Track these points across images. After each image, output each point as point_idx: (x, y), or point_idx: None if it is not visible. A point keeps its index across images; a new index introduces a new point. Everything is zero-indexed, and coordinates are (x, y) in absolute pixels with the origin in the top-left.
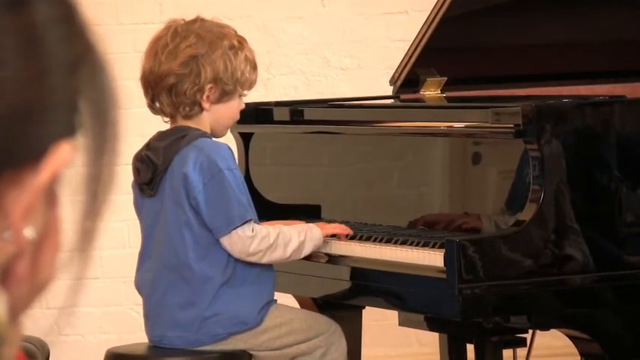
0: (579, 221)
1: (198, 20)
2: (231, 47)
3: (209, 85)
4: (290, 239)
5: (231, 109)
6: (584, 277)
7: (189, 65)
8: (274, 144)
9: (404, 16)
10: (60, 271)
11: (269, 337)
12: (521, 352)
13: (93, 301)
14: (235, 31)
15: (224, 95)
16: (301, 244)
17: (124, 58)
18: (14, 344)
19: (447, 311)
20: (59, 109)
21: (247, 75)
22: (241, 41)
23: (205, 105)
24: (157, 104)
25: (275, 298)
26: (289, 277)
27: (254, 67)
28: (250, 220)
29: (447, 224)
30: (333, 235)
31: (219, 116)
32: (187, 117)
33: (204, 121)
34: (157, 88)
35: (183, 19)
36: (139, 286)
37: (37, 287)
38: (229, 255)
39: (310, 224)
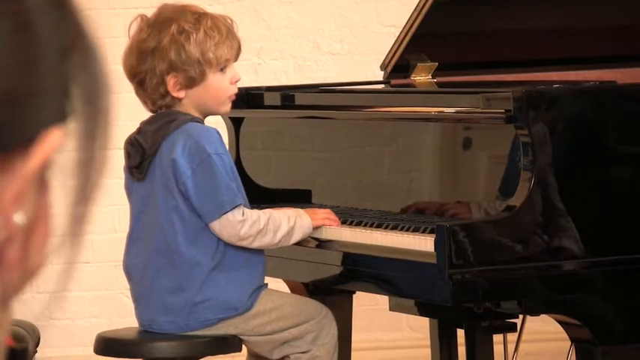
0: (570, 207)
1: (158, 9)
2: (181, 31)
3: (169, 76)
4: (280, 225)
5: (211, 88)
6: (575, 262)
7: (146, 60)
8: (265, 129)
9: (395, 2)
10: (51, 256)
11: (259, 322)
12: (512, 337)
13: (83, 285)
14: (193, 10)
15: (193, 79)
16: (290, 231)
17: (116, 43)
18: (4, 329)
19: (437, 296)
20: (50, 95)
21: (212, 52)
22: (199, 19)
23: (177, 93)
24: None
25: (266, 282)
26: (280, 261)
27: (222, 40)
28: (240, 204)
29: (437, 209)
30: None
31: (199, 99)
32: (167, 106)
33: (187, 106)
34: (133, 84)
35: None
36: (129, 270)
37: (27, 273)
38: (219, 240)
39: (300, 210)
